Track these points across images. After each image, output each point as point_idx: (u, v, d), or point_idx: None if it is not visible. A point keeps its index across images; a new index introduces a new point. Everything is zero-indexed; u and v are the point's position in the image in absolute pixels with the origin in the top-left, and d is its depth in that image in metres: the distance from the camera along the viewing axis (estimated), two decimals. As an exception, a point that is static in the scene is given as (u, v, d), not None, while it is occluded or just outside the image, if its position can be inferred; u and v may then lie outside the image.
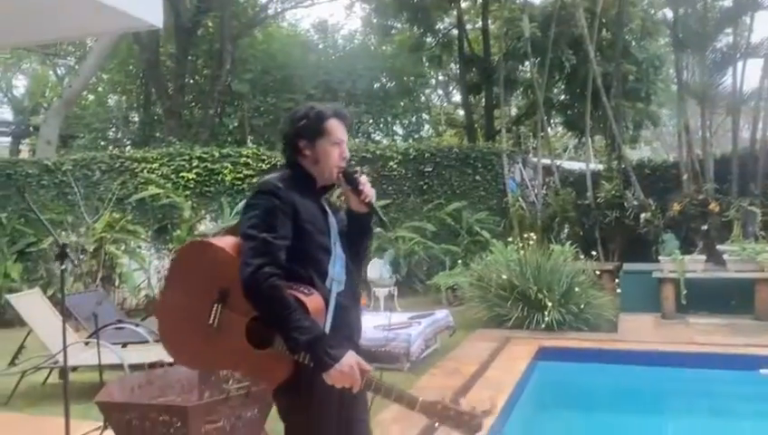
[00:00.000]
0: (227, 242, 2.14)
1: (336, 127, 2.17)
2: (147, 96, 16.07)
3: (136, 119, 16.56)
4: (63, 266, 2.91)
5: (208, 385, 4.06)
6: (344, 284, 2.13)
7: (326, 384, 1.98)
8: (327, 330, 2.01)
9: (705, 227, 8.73)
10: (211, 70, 14.81)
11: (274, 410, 3.81)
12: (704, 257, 7.74)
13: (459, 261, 9.93)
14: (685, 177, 9.53)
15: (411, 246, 10.42)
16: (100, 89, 18.03)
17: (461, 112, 19.50)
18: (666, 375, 5.94)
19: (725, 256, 7.35)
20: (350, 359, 1.96)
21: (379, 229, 8.09)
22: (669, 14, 10.62)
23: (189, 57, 15.67)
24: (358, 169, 2.22)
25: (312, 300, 2.01)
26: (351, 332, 2.16)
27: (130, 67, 16.50)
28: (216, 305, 2.08)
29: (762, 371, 5.70)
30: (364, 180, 2.17)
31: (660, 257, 7.49)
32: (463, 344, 6.42)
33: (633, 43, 13.61)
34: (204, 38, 16.08)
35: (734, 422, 5.45)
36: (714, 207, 8.66)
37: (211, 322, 2.08)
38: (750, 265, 7.11)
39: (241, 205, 10.00)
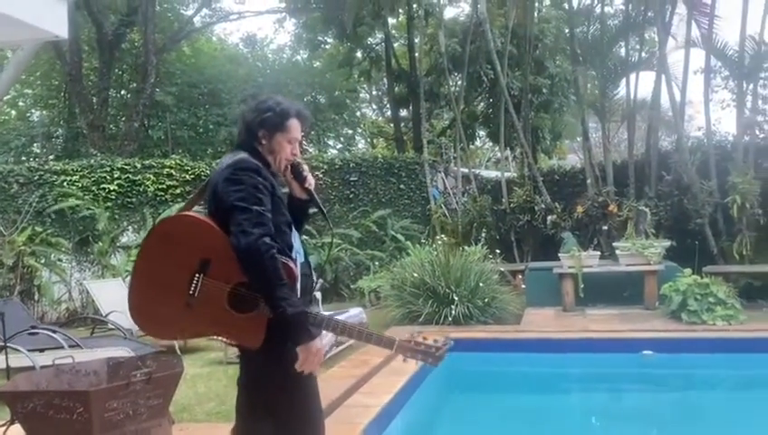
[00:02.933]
0: (201, 216, 2.29)
1: (295, 126, 2.39)
2: (70, 110, 15.83)
3: (60, 133, 16.24)
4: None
5: (117, 378, 4.23)
6: (302, 256, 2.38)
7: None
8: (298, 295, 2.21)
9: (605, 227, 9.44)
10: (136, 83, 14.77)
11: (177, 395, 4.07)
12: (598, 253, 8.38)
13: (377, 264, 10.31)
14: (588, 181, 10.26)
15: (337, 253, 10.73)
16: (21, 103, 17.60)
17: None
18: (561, 360, 6.47)
19: (618, 252, 7.99)
20: (320, 342, 2.19)
21: (305, 236, 8.38)
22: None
23: (116, 70, 15.55)
24: (300, 160, 2.45)
25: (294, 268, 2.23)
26: (309, 297, 2.44)
27: (53, 81, 16.22)
28: (197, 275, 2.17)
29: (644, 352, 6.30)
30: (306, 168, 2.43)
31: (560, 254, 8.06)
32: (376, 340, 6.73)
33: (550, 59, 14.50)
34: (129, 51, 16.00)
35: (618, 398, 6.05)
36: (612, 208, 9.37)
37: (192, 291, 2.17)
38: (639, 259, 7.76)
39: (165, 214, 10.11)
